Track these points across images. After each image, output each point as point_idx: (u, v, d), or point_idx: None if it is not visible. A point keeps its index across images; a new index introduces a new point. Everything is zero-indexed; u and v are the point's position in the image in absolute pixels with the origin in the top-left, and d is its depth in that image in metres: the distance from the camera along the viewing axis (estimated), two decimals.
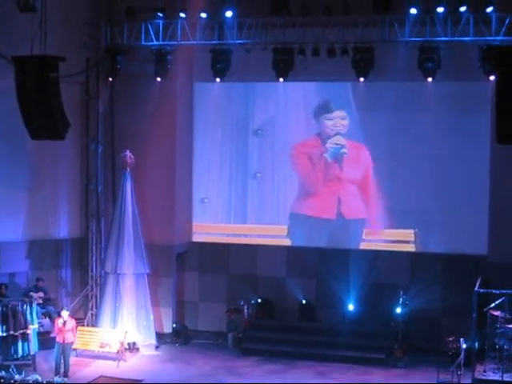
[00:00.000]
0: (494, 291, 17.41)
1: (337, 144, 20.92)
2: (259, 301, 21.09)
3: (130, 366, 18.97)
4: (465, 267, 19.50)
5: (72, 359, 18.29)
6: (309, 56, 19.30)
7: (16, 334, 17.95)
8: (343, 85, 20.74)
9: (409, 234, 20.62)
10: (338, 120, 20.93)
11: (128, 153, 20.08)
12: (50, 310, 20.12)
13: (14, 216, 20.56)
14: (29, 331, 18.05)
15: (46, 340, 18.95)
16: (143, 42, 20.11)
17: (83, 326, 20.27)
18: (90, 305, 21.24)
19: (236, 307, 20.90)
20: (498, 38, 18.05)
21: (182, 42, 19.96)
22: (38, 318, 18.72)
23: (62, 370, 17.66)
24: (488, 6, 18.05)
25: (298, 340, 19.96)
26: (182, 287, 21.77)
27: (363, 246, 20.95)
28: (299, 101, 21.42)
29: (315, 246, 21.10)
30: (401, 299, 19.48)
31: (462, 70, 19.25)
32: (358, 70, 19.01)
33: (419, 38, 18.65)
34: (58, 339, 17.89)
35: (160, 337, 20.63)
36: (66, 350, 17.84)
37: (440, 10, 18.30)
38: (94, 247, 21.26)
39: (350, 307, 20.40)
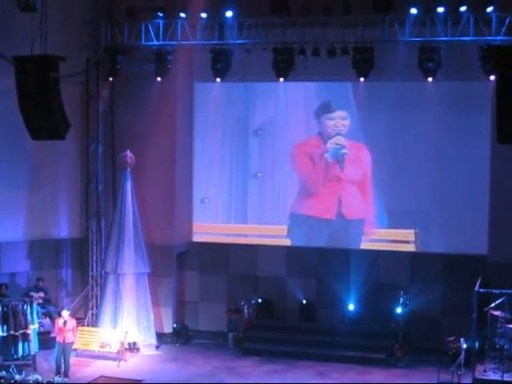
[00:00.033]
0: (494, 291, 17.40)
1: (337, 144, 20.91)
2: (259, 301, 21.08)
3: (130, 365, 18.96)
4: (465, 267, 19.49)
5: (72, 359, 18.28)
6: (309, 56, 19.29)
7: (16, 333, 17.94)
8: (343, 85, 20.72)
9: (409, 234, 20.61)
10: (339, 120, 20.92)
11: (128, 153, 20.07)
12: (50, 310, 20.11)
13: (14, 216, 20.56)
14: (29, 331, 18.04)
15: (46, 340, 18.95)
16: (143, 42, 20.10)
17: (83, 325, 20.26)
18: (90, 305, 21.23)
19: (236, 307, 20.89)
20: (499, 37, 18.05)
21: (182, 42, 19.95)
22: (38, 317, 18.71)
23: (62, 370, 17.64)
24: (488, 6, 18.05)
25: (298, 340, 19.95)
26: (183, 287, 21.76)
27: (363, 246, 20.94)
28: (299, 101, 21.41)
29: (315, 245, 21.10)
30: (401, 299, 19.45)
31: (463, 70, 19.24)
32: (358, 70, 19.01)
33: (419, 38, 18.64)
34: (58, 339, 17.87)
35: (160, 337, 20.63)
36: (66, 349, 17.81)
37: (440, 9, 18.30)
38: (95, 247, 21.25)
39: (351, 307, 20.39)
